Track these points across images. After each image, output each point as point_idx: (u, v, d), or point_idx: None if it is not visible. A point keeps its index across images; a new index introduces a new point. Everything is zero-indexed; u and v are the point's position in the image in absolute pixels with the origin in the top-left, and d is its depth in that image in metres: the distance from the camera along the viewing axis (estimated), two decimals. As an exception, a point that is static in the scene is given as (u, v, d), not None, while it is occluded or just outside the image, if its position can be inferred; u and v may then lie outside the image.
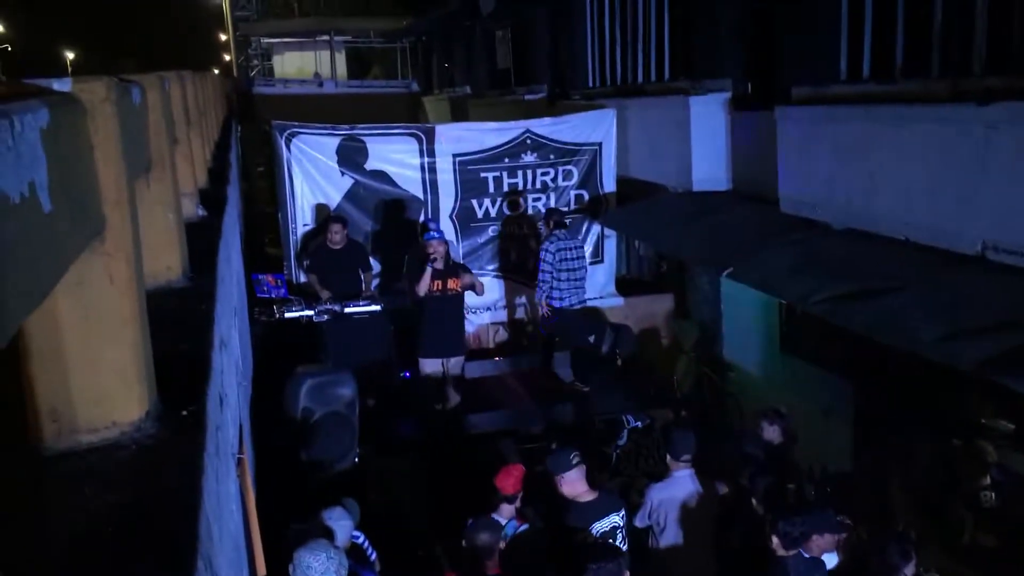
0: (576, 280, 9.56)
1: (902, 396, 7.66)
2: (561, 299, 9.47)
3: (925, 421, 7.46)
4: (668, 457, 6.00)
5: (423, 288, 8.59)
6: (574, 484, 5.45)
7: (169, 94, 4.20)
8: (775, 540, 5.10)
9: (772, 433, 6.72)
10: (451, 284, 8.76)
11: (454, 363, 8.89)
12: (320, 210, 10.28)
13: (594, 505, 5.44)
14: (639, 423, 8.20)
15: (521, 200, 11.00)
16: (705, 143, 10.08)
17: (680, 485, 5.91)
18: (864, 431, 8.29)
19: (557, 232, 9.51)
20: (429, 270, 8.58)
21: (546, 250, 9.39)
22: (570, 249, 9.53)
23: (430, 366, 8.80)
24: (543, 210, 10.85)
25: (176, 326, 2.69)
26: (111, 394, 1.94)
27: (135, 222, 2.07)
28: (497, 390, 9.69)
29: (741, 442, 6.91)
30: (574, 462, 5.46)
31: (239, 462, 3.54)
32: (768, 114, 8.62)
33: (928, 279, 6.16)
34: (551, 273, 9.37)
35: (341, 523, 5.01)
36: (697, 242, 9.01)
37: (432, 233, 8.84)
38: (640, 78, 12.73)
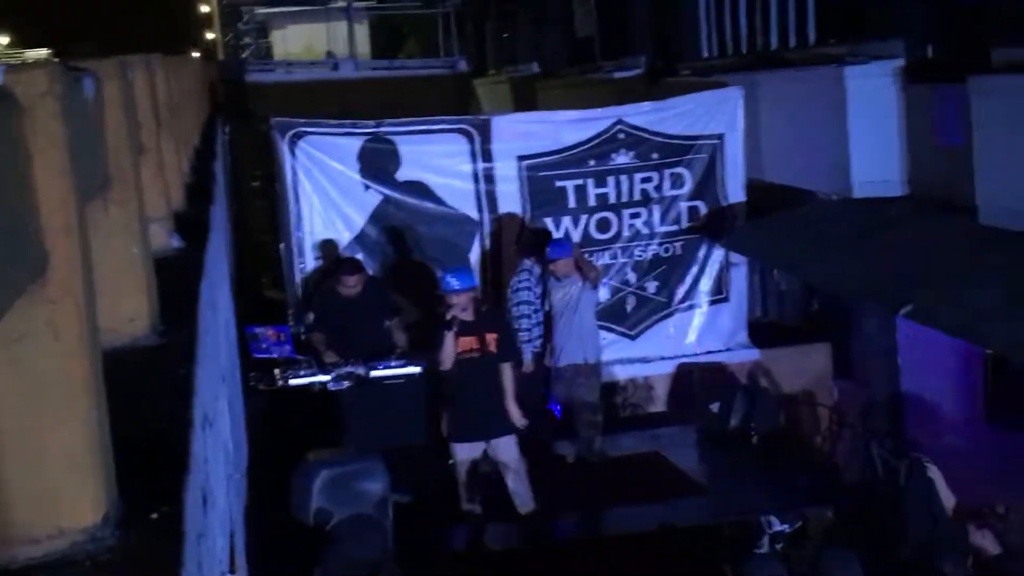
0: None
1: None
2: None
3: None
4: None
5: (446, 357, 8.39)
6: None
7: (133, 86, 4.32)
8: None
9: (983, 541, 6.64)
10: (488, 342, 8.55)
11: (504, 447, 8.75)
12: (334, 243, 10.42)
13: None
14: (786, 526, 8.07)
15: (614, 217, 10.99)
16: (869, 130, 9.97)
17: None
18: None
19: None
20: (450, 333, 8.34)
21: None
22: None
23: (463, 452, 8.69)
24: (644, 229, 10.80)
25: (143, 398, 2.73)
26: (57, 492, 1.96)
27: (87, 258, 2.12)
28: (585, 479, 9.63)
29: (935, 555, 6.75)
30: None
31: (230, 585, 3.57)
32: (959, 88, 8.52)
33: None
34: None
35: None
36: (862, 270, 8.89)
37: (449, 281, 8.53)
38: (774, 42, 12.65)
